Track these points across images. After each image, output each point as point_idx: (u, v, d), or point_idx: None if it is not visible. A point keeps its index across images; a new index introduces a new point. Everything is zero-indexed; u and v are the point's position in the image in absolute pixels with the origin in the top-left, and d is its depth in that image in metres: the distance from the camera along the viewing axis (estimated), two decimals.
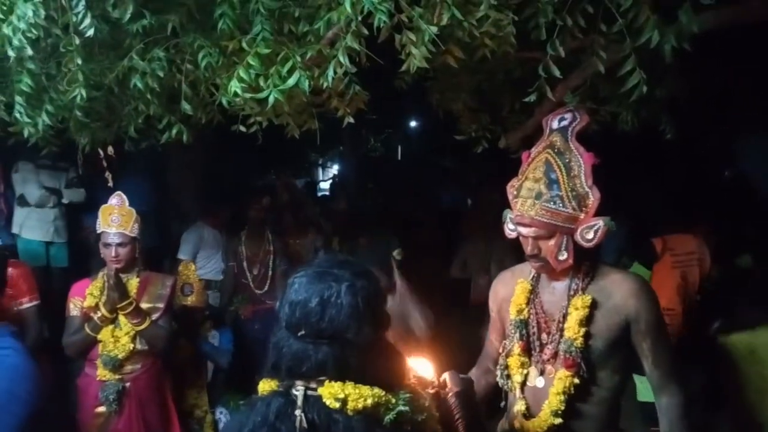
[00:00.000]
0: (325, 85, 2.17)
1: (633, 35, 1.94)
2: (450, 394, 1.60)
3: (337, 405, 1.24)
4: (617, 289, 1.86)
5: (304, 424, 1.22)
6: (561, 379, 1.84)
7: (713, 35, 2.09)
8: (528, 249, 1.89)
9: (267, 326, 3.69)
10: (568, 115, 1.97)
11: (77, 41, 1.95)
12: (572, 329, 1.84)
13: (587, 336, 1.84)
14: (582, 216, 1.82)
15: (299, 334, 1.28)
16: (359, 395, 1.24)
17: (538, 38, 2.04)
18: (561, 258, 1.84)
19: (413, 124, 6.96)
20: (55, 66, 2.37)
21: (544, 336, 1.93)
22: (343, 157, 9.50)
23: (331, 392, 1.25)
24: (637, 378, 3.70)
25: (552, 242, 1.84)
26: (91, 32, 1.86)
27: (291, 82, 2.00)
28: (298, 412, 1.24)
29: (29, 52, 1.98)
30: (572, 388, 1.83)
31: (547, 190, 1.84)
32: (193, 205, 4.95)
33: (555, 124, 1.98)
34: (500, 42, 2.22)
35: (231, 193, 4.88)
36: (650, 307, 1.86)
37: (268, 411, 1.27)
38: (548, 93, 2.23)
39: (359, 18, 1.92)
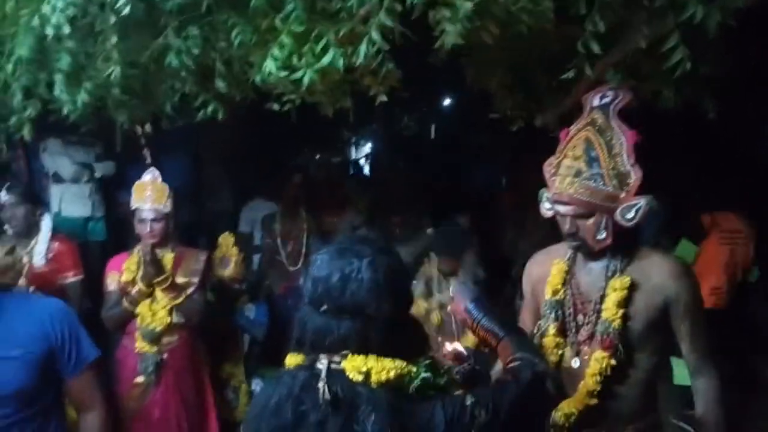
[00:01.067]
0: (357, 62, 2.15)
1: (676, 10, 1.87)
2: (460, 310, 1.59)
3: (360, 378, 1.26)
4: (657, 271, 1.83)
5: (327, 396, 1.24)
6: (597, 360, 1.83)
7: (760, 10, 2.00)
8: (566, 228, 1.86)
9: (300, 302, 3.73)
10: (610, 93, 1.94)
11: (113, 19, 1.97)
12: (610, 310, 1.82)
13: (625, 317, 1.82)
14: (623, 195, 1.78)
15: (322, 309, 1.31)
16: (382, 368, 1.27)
17: (577, 13, 1.97)
18: (600, 237, 1.81)
19: (447, 102, 6.86)
20: (93, 44, 2.40)
21: (580, 317, 1.91)
22: (376, 135, 9.45)
23: (354, 366, 1.27)
24: (674, 361, 3.67)
25: (591, 221, 1.81)
26: (127, 10, 1.88)
27: (325, 60, 2.00)
28: (321, 384, 1.26)
29: (67, 30, 2.02)
30: (609, 370, 1.81)
31: (587, 167, 1.81)
32: (242, 185, 5.00)
33: (596, 102, 1.95)
34: (537, 17, 2.16)
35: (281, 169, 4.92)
36: (690, 289, 1.83)
37: (294, 384, 1.31)
38: (587, 70, 2.17)
39: None
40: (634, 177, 1.78)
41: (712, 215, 3.74)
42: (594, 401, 1.84)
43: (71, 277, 3.19)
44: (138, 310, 2.91)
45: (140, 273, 2.88)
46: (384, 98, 2.59)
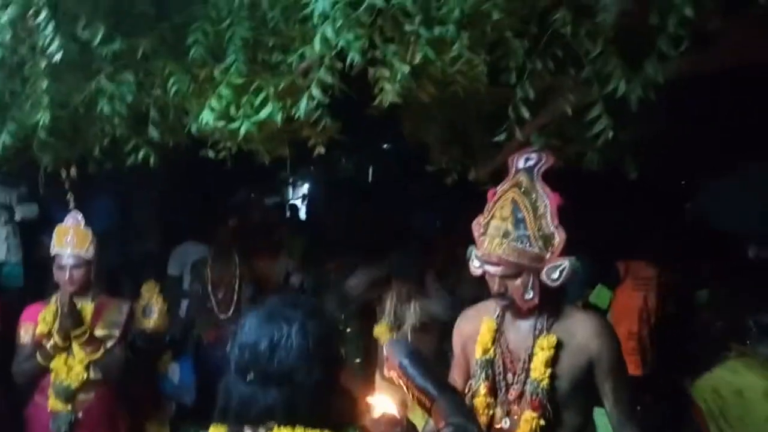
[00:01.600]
0: (297, 115, 2.16)
1: (600, 81, 1.99)
2: (394, 367, 1.57)
3: None
4: (581, 329, 1.89)
5: None
6: (527, 420, 1.85)
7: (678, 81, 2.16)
8: (495, 288, 1.90)
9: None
10: (534, 156, 2.00)
11: (43, 65, 1.90)
12: (538, 370, 1.86)
13: (552, 377, 1.86)
14: (548, 256, 1.84)
15: (248, 377, 1.26)
16: None
17: (507, 81, 2.07)
18: (527, 297, 1.86)
19: (385, 147, 6.97)
20: (20, 83, 2.31)
21: (509, 376, 1.94)
22: (312, 177, 9.44)
23: None
24: (596, 411, 3.77)
25: (519, 281, 1.86)
26: (59, 56, 1.82)
27: (263, 114, 2.00)
28: None
29: None
30: (538, 430, 1.84)
31: (514, 229, 1.87)
32: (173, 225, 4.87)
33: (521, 164, 2.01)
34: (472, 79, 2.25)
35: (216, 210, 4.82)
36: (612, 347, 1.89)
37: None
38: (517, 133, 2.27)
39: (333, 53, 1.93)
40: (558, 239, 1.84)
41: (625, 262, 3.93)
42: None
43: None
44: (52, 365, 2.73)
45: (56, 325, 2.70)
46: (322, 150, 2.61)
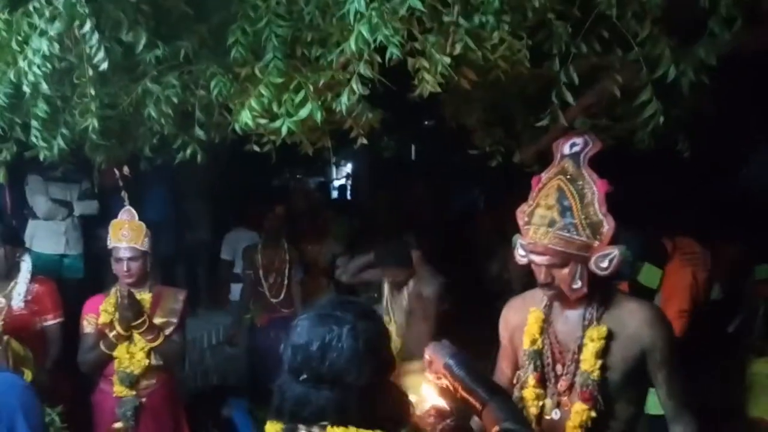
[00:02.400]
0: (338, 109, 2.17)
1: (649, 64, 1.91)
2: (439, 369, 1.57)
3: None
4: (632, 319, 1.83)
5: None
6: (578, 412, 1.82)
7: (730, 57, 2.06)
8: (541, 277, 1.85)
9: (282, 334, 3.72)
10: (580, 141, 1.90)
11: (90, 72, 1.96)
12: (588, 361, 1.82)
13: (603, 368, 1.81)
14: (596, 244, 1.78)
15: (301, 378, 1.28)
16: None
17: (550, 68, 2.02)
18: (575, 287, 1.81)
19: (428, 127, 6.91)
20: (70, 88, 2.38)
21: (558, 367, 1.90)
22: (356, 156, 9.46)
23: None
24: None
25: (566, 271, 1.80)
26: (105, 65, 1.87)
27: (303, 114, 2.01)
28: None
29: (44, 86, 2.00)
30: (589, 422, 1.81)
31: (560, 217, 1.80)
32: (221, 211, 4.98)
33: (566, 150, 1.91)
34: (513, 63, 2.20)
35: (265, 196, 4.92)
36: (666, 336, 1.83)
37: None
38: (561, 118, 2.22)
39: (372, 47, 1.91)
40: (607, 226, 1.78)
41: (672, 239, 3.81)
42: None
43: (51, 320, 3.12)
44: (115, 353, 2.86)
45: (117, 315, 2.83)
46: (364, 141, 2.61)
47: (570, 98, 2.08)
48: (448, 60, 1.92)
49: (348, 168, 10.12)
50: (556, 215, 1.81)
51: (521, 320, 1.99)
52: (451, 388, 1.54)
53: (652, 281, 3.73)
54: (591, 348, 1.82)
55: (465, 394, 1.52)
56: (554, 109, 2.19)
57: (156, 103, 2.20)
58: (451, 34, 1.94)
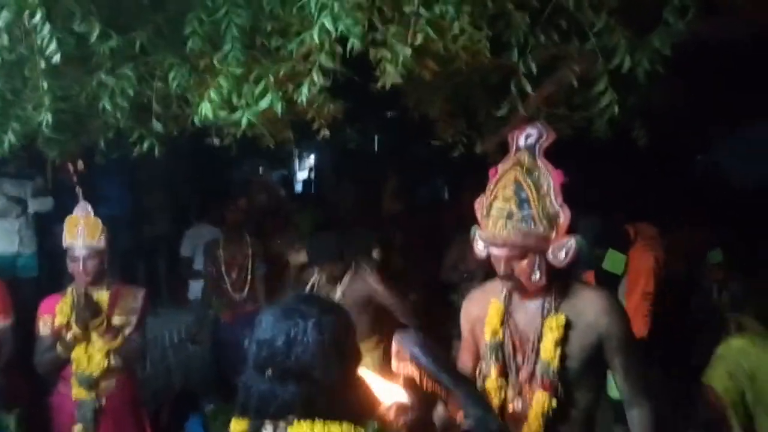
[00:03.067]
0: (299, 100, 2.14)
1: (605, 54, 1.95)
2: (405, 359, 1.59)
3: None
4: (589, 308, 1.88)
5: None
6: (539, 401, 1.86)
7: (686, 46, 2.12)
8: (501, 270, 1.88)
9: (246, 330, 3.69)
10: (534, 132, 1.92)
11: (42, 65, 1.89)
12: (548, 351, 1.85)
13: (563, 356, 1.86)
14: (553, 235, 1.82)
15: (266, 373, 1.28)
16: None
17: (509, 58, 2.04)
18: (534, 278, 1.84)
19: (390, 118, 6.92)
20: (21, 81, 2.30)
21: (519, 357, 1.93)
22: (319, 148, 9.40)
23: (300, 431, 1.24)
24: (609, 376, 3.82)
25: (525, 262, 1.84)
26: (57, 57, 1.80)
27: (264, 104, 1.98)
28: None
29: None
30: (550, 410, 1.84)
31: (518, 209, 1.83)
32: (180, 206, 4.89)
33: (522, 141, 1.94)
34: (474, 54, 2.21)
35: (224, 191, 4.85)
36: (621, 323, 1.88)
37: None
38: (519, 107, 2.24)
39: (333, 37, 1.90)
40: (563, 217, 1.81)
41: (633, 225, 3.91)
42: None
43: (0, 322, 3.03)
44: (73, 354, 2.78)
45: (74, 316, 2.75)
46: (327, 133, 2.60)
47: (528, 87, 2.11)
48: (409, 51, 1.92)
49: (311, 160, 10.06)
50: (513, 207, 1.84)
51: (482, 312, 2.02)
52: (417, 376, 1.56)
53: (617, 267, 3.82)
54: (550, 337, 1.86)
55: (431, 383, 1.53)
56: (513, 98, 2.22)
57: (111, 96, 2.13)
58: (412, 24, 1.94)
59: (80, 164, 2.80)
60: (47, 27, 1.76)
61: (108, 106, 2.12)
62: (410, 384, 1.59)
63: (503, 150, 3.18)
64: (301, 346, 1.27)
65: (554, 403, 1.84)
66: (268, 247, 4.48)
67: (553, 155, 1.90)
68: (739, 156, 4.56)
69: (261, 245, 4.37)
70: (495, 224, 1.86)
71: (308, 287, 3.49)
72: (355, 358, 1.37)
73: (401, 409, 1.55)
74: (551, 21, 2.08)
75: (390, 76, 2.08)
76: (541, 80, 2.44)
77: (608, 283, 3.79)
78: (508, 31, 2.15)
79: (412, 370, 1.57)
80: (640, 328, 3.77)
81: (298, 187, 9.10)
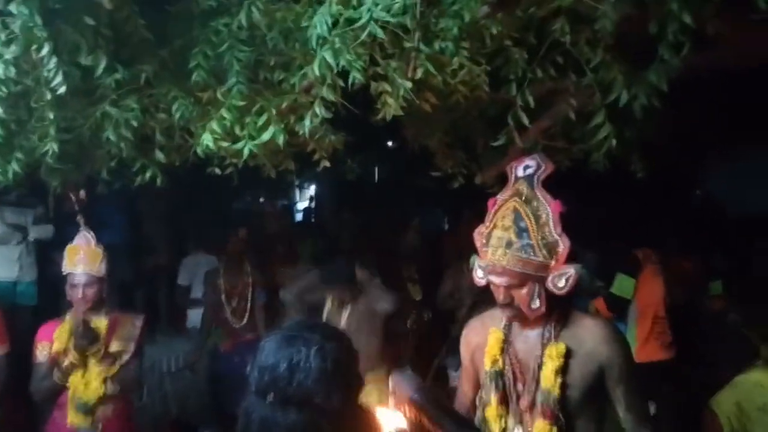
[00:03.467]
0: (301, 133, 2.18)
1: (602, 89, 1.99)
2: (404, 401, 1.58)
3: None
4: (589, 336, 1.87)
5: None
6: (540, 429, 1.84)
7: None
8: (500, 298, 1.88)
9: (246, 359, 3.67)
10: (533, 163, 1.93)
11: (48, 96, 1.93)
12: (548, 379, 1.84)
13: (563, 385, 1.84)
14: (553, 263, 1.82)
15: (268, 399, 1.27)
16: None
17: (508, 92, 2.08)
18: (534, 306, 1.84)
19: (390, 149, 6.98)
20: (26, 112, 2.33)
21: (519, 386, 1.92)
22: (319, 178, 9.46)
23: None
24: None
25: (524, 291, 1.83)
26: (63, 89, 1.84)
27: (266, 137, 2.01)
28: None
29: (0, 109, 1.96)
30: None
31: (517, 239, 1.83)
32: (181, 235, 4.91)
33: (520, 172, 1.93)
34: (473, 88, 2.26)
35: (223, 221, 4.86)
36: (622, 352, 1.87)
37: None
38: (516, 140, 2.27)
39: (335, 71, 1.94)
40: (563, 246, 1.82)
41: (642, 250, 3.92)
42: None
43: None
44: (70, 381, 2.76)
45: (72, 343, 2.74)
46: (327, 164, 2.63)
47: (525, 120, 2.14)
48: (409, 84, 1.96)
49: (311, 191, 10.10)
50: (513, 236, 1.84)
51: (481, 341, 2.01)
52: (417, 420, 1.55)
53: (627, 291, 3.82)
54: (551, 366, 1.84)
55: (432, 426, 1.53)
56: (509, 130, 2.25)
57: (115, 127, 2.17)
58: (413, 59, 1.99)
59: (82, 193, 2.82)
60: (54, 60, 1.80)
61: (112, 137, 2.15)
62: (412, 425, 1.59)
63: (502, 181, 3.24)
64: (304, 372, 1.26)
65: (555, 430, 1.82)
66: (269, 276, 4.47)
67: (555, 185, 1.92)
68: (737, 185, 4.59)
69: (261, 274, 4.34)
70: (494, 253, 1.86)
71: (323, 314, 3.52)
72: (357, 385, 1.37)
73: None
74: (548, 56, 2.12)
75: (390, 108, 2.12)
76: (539, 113, 2.49)
77: (617, 308, 3.83)
78: (506, 66, 2.20)
79: (410, 413, 1.56)
80: (652, 351, 3.78)
81: (299, 217, 9.13)
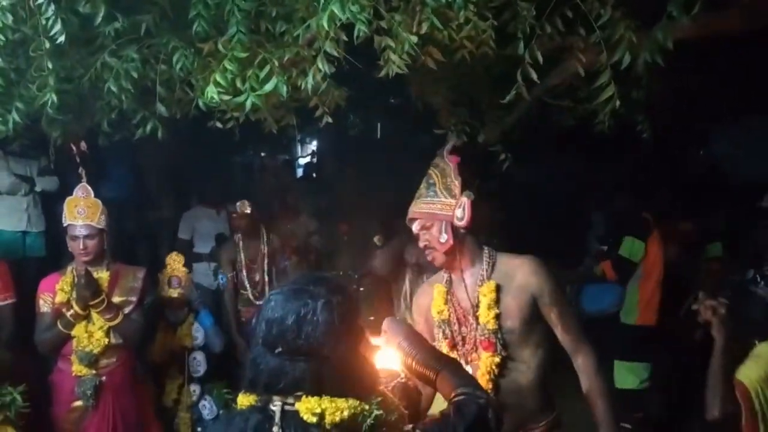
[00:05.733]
0: (303, 87, 2.15)
1: (609, 48, 1.95)
2: (396, 344, 1.64)
3: (315, 419, 1.26)
4: (518, 271, 2.06)
5: None
6: (483, 360, 2.03)
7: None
8: (421, 243, 2.12)
9: None
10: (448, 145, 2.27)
11: (47, 45, 1.89)
12: (484, 314, 2.04)
13: (501, 318, 2.03)
14: (453, 202, 2.06)
15: (276, 351, 1.30)
16: (336, 408, 1.27)
17: (515, 50, 2.04)
18: (442, 240, 2.05)
19: (394, 103, 6.89)
20: (25, 61, 2.30)
21: (464, 329, 2.11)
22: (321, 133, 9.36)
23: (308, 407, 1.27)
24: (616, 365, 3.85)
25: (434, 229, 2.08)
26: (62, 38, 1.81)
27: (268, 87, 1.99)
28: (276, 428, 1.26)
29: None
30: (495, 367, 2.01)
31: (425, 190, 2.13)
32: (183, 189, 4.89)
33: (439, 152, 2.23)
34: (479, 44, 2.22)
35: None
36: (549, 280, 2.05)
37: (246, 426, 1.29)
38: (524, 94, 2.25)
39: (338, 24, 1.90)
40: (458, 182, 2.06)
41: (651, 213, 3.93)
42: None
43: (2, 301, 3.04)
44: (73, 332, 2.81)
45: (74, 294, 2.78)
46: (329, 119, 2.60)
47: (534, 76, 2.12)
48: (414, 39, 1.92)
49: (313, 146, 10.01)
50: (423, 190, 2.15)
51: (430, 299, 2.21)
52: (405, 363, 1.62)
53: (635, 254, 3.85)
54: (484, 302, 2.05)
55: (419, 367, 1.58)
56: (519, 87, 2.22)
57: (115, 78, 2.14)
58: (418, 13, 1.95)
59: (83, 145, 2.81)
60: (52, 7, 1.76)
61: (112, 87, 2.13)
62: (404, 365, 1.66)
63: (505, 139, 3.22)
64: (311, 325, 1.29)
65: (497, 360, 2.01)
66: (278, 234, 4.28)
67: (560, 145, 1.99)
68: (742, 148, 4.55)
69: (278, 241, 4.22)
70: (411, 207, 2.14)
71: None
72: (361, 336, 1.40)
73: (390, 375, 1.61)
74: (557, 11, 2.08)
75: (394, 64, 2.08)
76: (546, 71, 2.45)
77: (624, 272, 3.87)
78: (513, 21, 2.15)
79: (400, 355, 1.62)
80: (650, 315, 3.84)
81: (300, 172, 9.08)
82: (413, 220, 2.15)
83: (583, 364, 2.07)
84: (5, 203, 3.86)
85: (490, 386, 2.01)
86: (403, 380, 1.67)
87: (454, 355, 2.07)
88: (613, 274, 3.92)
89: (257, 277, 4.10)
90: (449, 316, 2.13)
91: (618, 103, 1.97)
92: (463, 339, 2.11)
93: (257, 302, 4.05)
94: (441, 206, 2.08)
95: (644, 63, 1.88)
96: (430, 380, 1.59)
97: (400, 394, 1.63)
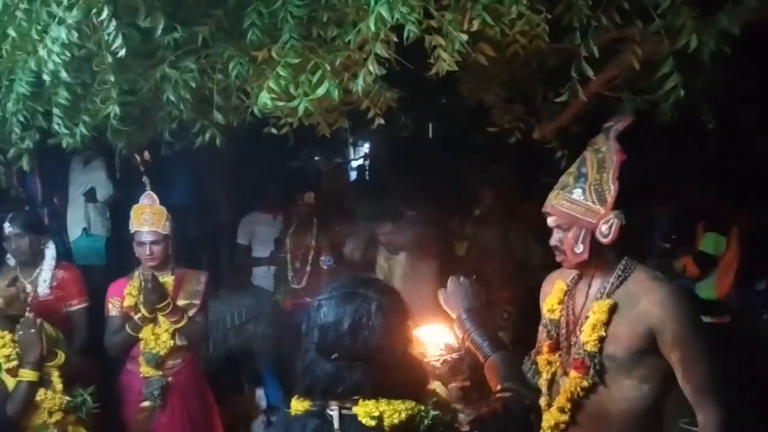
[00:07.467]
0: (355, 90, 2.16)
1: (671, 36, 1.87)
2: (455, 315, 1.63)
3: (373, 423, 1.26)
4: (644, 296, 1.79)
5: None
6: (571, 379, 1.86)
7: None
8: (552, 240, 1.93)
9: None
10: (613, 119, 1.98)
11: (109, 59, 1.97)
12: (586, 333, 1.84)
13: (606, 342, 1.82)
14: (603, 211, 1.82)
15: (333, 357, 1.30)
16: (394, 410, 1.27)
17: (571, 42, 1.99)
18: (577, 251, 1.85)
19: (446, 105, 6.85)
20: (90, 76, 2.40)
21: (572, 338, 1.93)
22: (374, 136, 9.39)
23: (366, 411, 1.27)
24: None
25: (570, 234, 1.86)
26: (123, 52, 1.88)
27: (320, 92, 2.01)
28: None
29: (64, 74, 2.02)
30: (580, 390, 1.84)
31: (573, 182, 1.88)
32: (241, 195, 5.02)
33: (605, 126, 1.99)
34: (532, 38, 2.17)
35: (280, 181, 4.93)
36: (679, 316, 1.75)
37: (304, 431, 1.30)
38: (580, 93, 2.19)
39: (388, 26, 1.90)
40: (613, 192, 1.81)
41: (732, 209, 3.80)
42: (564, 417, 1.87)
43: (76, 305, 3.19)
44: (141, 335, 2.93)
45: (141, 298, 2.89)
46: (381, 121, 2.60)
47: (590, 72, 2.05)
48: (465, 37, 1.90)
49: (365, 148, 10.07)
50: (571, 180, 1.90)
51: (551, 291, 2.06)
52: (461, 335, 1.62)
53: (719, 249, 3.72)
54: (592, 320, 1.84)
55: (472, 346, 1.58)
56: (573, 84, 2.16)
57: (174, 88, 2.21)
58: (468, 10, 1.92)
59: (146, 155, 2.92)
60: (113, 23, 1.83)
61: (172, 98, 2.19)
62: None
63: (560, 136, 3.14)
64: (367, 330, 1.29)
65: (585, 383, 1.83)
66: (334, 236, 4.40)
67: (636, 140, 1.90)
68: None
69: (327, 238, 4.33)
70: (551, 194, 1.93)
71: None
72: (411, 335, 1.40)
73: (449, 348, 1.59)
74: (613, 2, 2.01)
75: (444, 63, 2.07)
76: (603, 63, 2.38)
77: (707, 265, 3.78)
78: (568, 14, 2.09)
79: (457, 327, 1.61)
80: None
81: (354, 175, 9.15)
82: (547, 212, 1.93)
83: (701, 424, 1.76)
84: (97, 211, 4.08)
85: (569, 405, 1.85)
86: (458, 356, 1.65)
87: (552, 358, 1.96)
88: (696, 270, 3.78)
89: (298, 264, 4.25)
90: (560, 318, 1.97)
91: (682, 92, 1.88)
92: (568, 348, 1.92)
93: (295, 287, 4.23)
94: (585, 210, 1.83)
95: (709, 52, 1.79)
96: (479, 363, 1.58)
97: (454, 370, 1.62)
